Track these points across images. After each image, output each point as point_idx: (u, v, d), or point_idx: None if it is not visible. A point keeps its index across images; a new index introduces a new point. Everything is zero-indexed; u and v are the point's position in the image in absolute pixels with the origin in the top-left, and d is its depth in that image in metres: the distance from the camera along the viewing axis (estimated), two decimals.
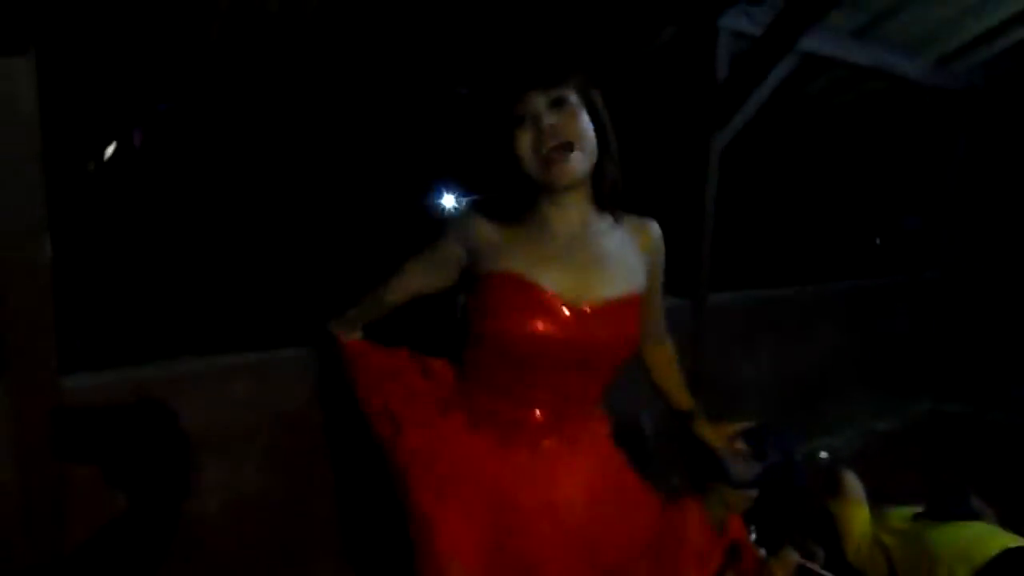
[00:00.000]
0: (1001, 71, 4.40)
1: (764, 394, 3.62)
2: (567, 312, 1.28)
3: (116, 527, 1.87)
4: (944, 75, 4.16)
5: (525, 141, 1.27)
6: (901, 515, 2.56)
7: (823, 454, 3.28)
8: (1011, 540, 2.27)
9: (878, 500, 2.72)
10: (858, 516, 2.61)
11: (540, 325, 1.26)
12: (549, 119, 1.25)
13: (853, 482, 2.71)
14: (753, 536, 2.44)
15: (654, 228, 1.46)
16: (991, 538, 2.29)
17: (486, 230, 1.36)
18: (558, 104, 1.27)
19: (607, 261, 1.35)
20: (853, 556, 2.55)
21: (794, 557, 2.35)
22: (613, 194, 1.37)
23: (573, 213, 1.35)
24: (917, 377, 4.77)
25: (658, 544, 1.48)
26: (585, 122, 1.28)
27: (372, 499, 2.28)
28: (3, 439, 1.61)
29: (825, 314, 4.04)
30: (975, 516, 2.48)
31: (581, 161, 1.27)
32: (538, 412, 1.36)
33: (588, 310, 1.29)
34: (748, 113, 3.10)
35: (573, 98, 1.28)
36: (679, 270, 3.30)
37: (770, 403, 3.67)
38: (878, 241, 6.79)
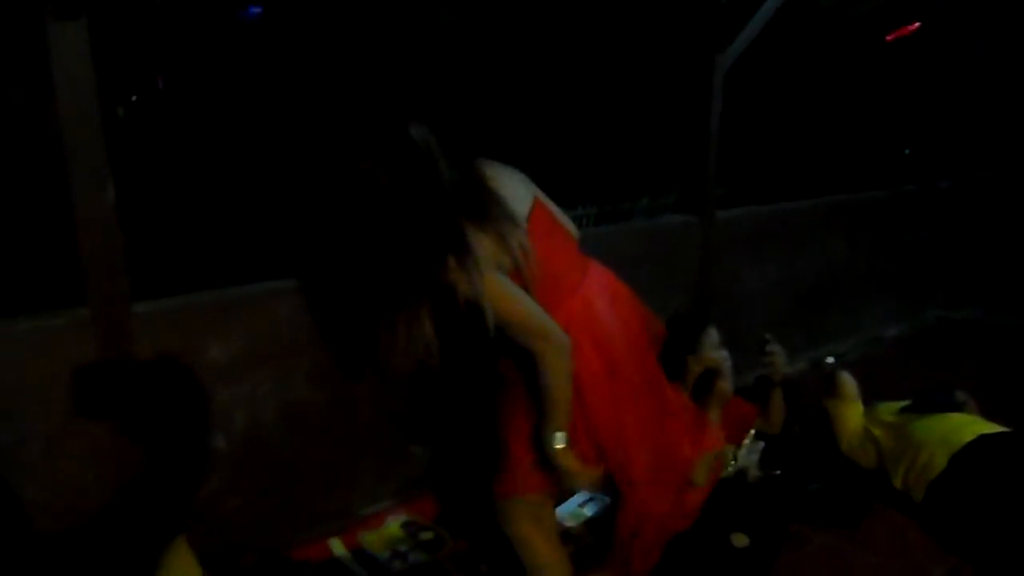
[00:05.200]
0: None
1: (771, 304, 3.80)
2: None
3: (183, 436, 2.15)
4: None
5: None
6: (890, 409, 2.76)
7: (829, 359, 3.47)
8: (987, 428, 2.47)
9: (882, 400, 2.84)
10: (851, 412, 2.79)
11: None
12: None
13: (848, 382, 2.87)
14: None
15: None
16: (969, 426, 2.48)
17: None
18: None
19: None
20: (847, 448, 2.74)
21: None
22: None
23: None
24: (927, 286, 4.89)
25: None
26: None
27: (409, 405, 2.56)
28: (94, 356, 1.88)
29: (834, 225, 4.13)
30: (957, 408, 2.67)
31: None
32: None
33: None
34: (754, 30, 3.16)
35: None
36: (688, 188, 3.46)
37: (777, 313, 3.85)
38: (907, 152, 6.73)
